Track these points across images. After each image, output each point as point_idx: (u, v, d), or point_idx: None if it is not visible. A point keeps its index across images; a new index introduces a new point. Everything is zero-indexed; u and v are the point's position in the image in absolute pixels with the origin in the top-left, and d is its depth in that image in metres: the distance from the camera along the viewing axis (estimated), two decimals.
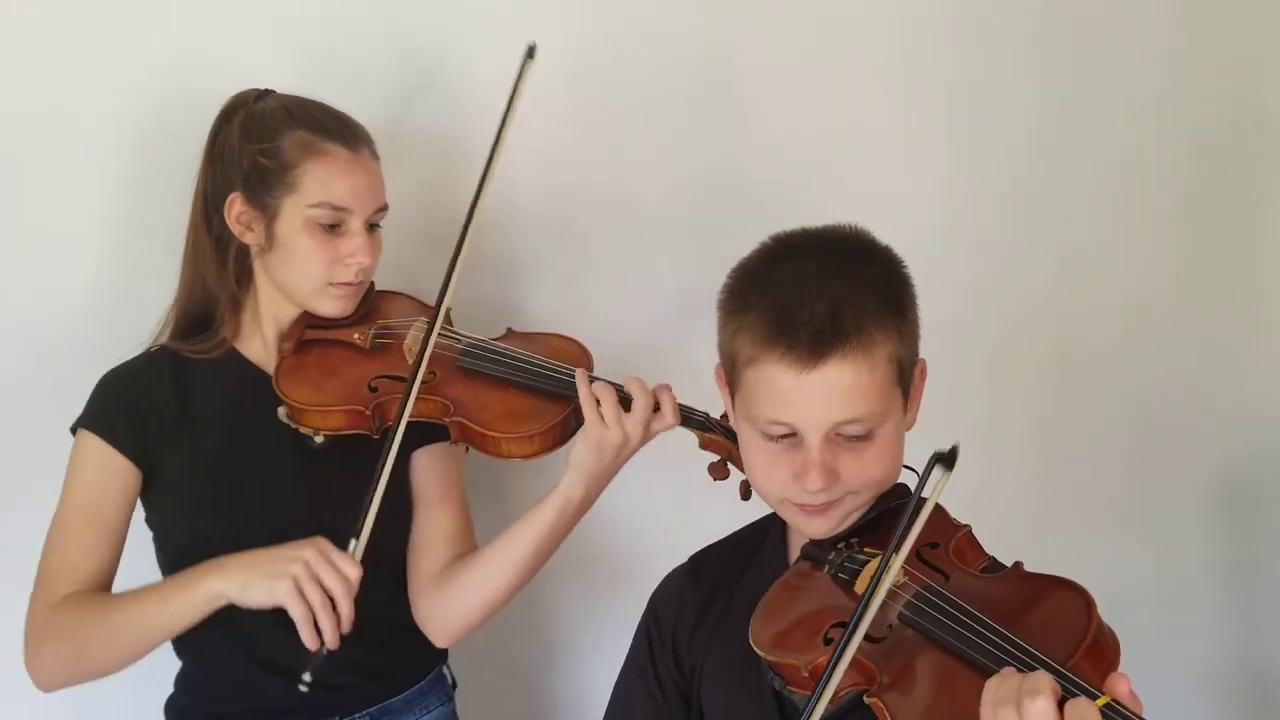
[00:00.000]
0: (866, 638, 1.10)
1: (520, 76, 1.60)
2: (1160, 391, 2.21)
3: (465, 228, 1.59)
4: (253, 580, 1.47)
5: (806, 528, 1.28)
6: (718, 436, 1.57)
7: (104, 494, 1.61)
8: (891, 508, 1.26)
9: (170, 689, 1.72)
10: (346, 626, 1.47)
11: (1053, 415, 2.17)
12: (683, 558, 1.98)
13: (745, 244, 1.92)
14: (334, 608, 1.47)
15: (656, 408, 1.53)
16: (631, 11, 1.98)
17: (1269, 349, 2.25)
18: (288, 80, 1.70)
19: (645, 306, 2.02)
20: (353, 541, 1.50)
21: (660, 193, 2.01)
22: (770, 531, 1.39)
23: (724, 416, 1.60)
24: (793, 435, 1.22)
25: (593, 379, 1.56)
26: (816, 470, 1.20)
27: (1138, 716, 0.97)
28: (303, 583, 1.45)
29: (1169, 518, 2.25)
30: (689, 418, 1.57)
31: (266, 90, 1.68)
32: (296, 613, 1.46)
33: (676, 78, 2.00)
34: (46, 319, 1.86)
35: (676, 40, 1.99)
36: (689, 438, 1.59)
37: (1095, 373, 2.15)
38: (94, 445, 1.62)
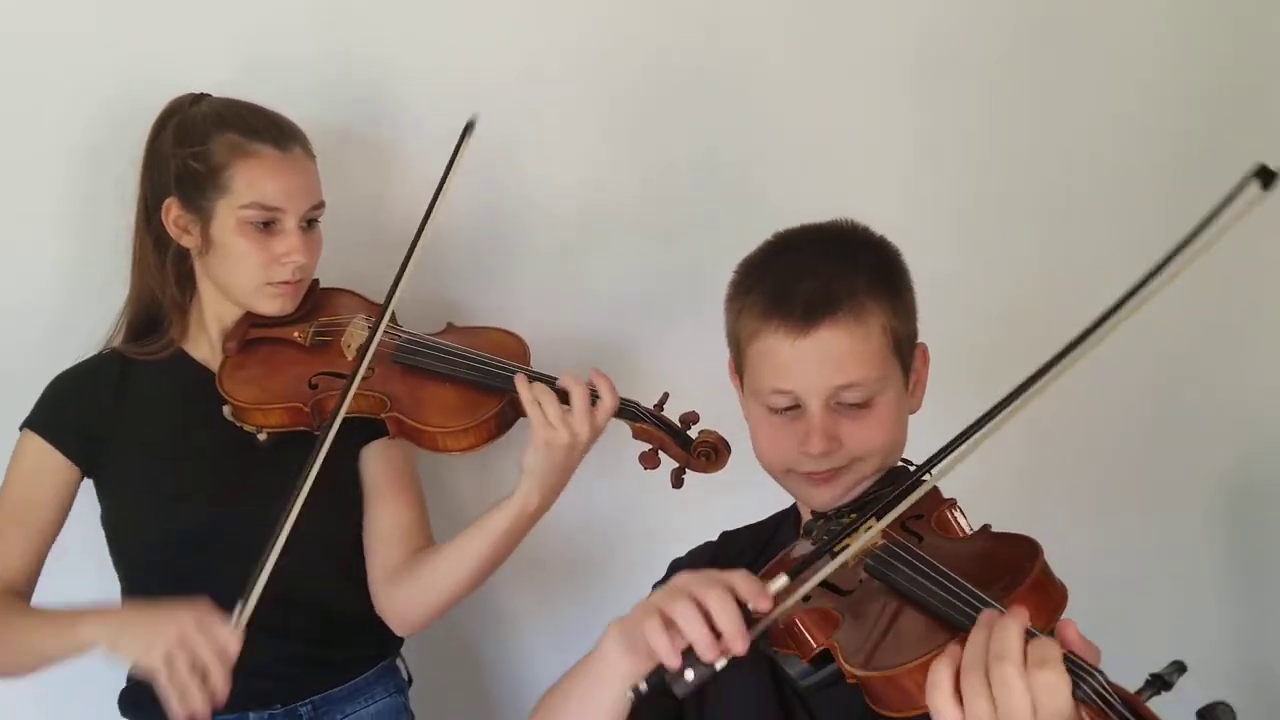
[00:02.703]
0: (836, 590, 1.16)
1: (458, 150, 1.60)
2: (1162, 389, 2.20)
3: (404, 265, 1.58)
4: (125, 639, 1.45)
5: (812, 498, 1.32)
6: (648, 426, 1.59)
7: (36, 490, 1.64)
8: (896, 489, 1.27)
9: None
10: (220, 700, 1.41)
11: (1052, 412, 2.13)
12: (636, 553, 2.00)
13: (700, 241, 1.97)
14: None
15: (595, 399, 1.54)
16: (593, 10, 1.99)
17: (1272, 345, 2.24)
18: (232, 86, 1.71)
19: (590, 303, 2.03)
20: (238, 605, 1.43)
21: (615, 190, 2.02)
22: (783, 524, 1.43)
23: (658, 405, 1.62)
24: (795, 407, 1.28)
25: (532, 378, 1.57)
26: (818, 435, 1.26)
27: (1090, 666, 0.95)
28: (173, 654, 1.39)
29: (1173, 516, 2.25)
30: (623, 407, 1.58)
31: (202, 94, 1.70)
32: (164, 684, 1.40)
33: (640, 78, 2.00)
34: (8, 324, 1.88)
35: (648, 39, 2.00)
36: (626, 431, 1.60)
37: (1094, 370, 2.14)
38: (34, 443, 1.66)
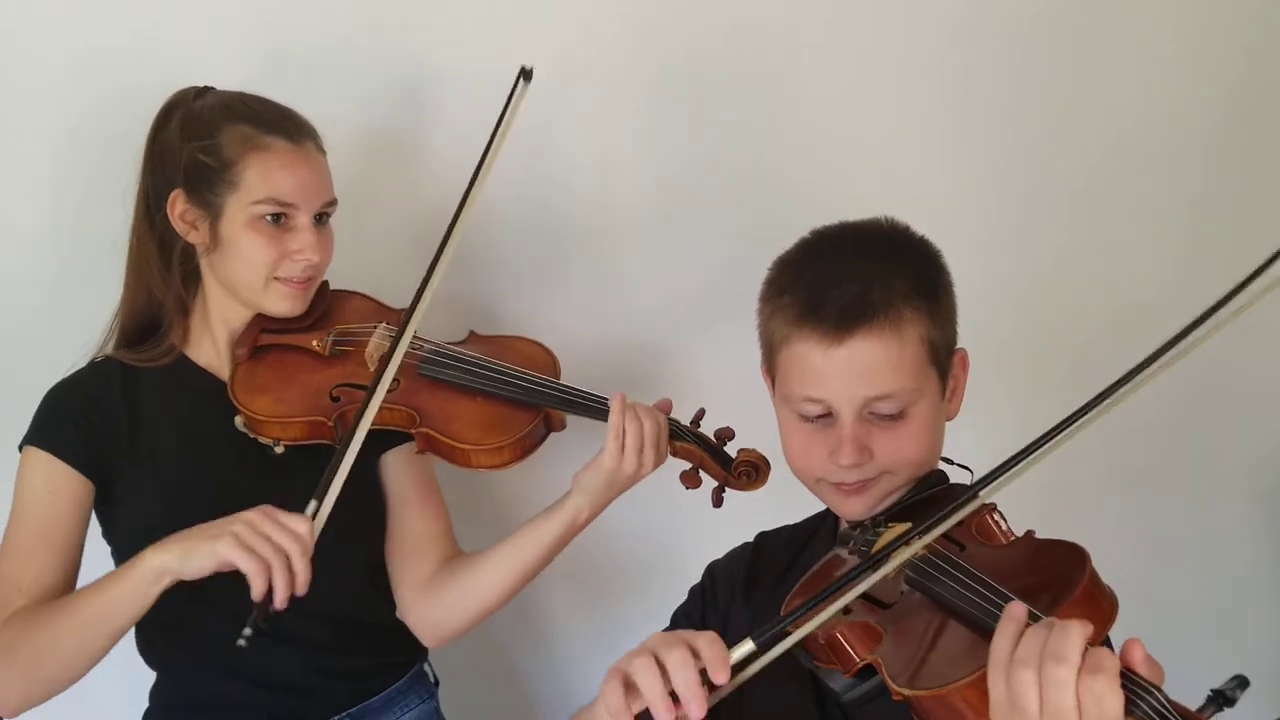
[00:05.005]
0: (878, 603, 1.13)
1: (513, 97, 1.53)
2: (1196, 389, 2.15)
3: (443, 246, 1.51)
4: (193, 546, 1.39)
5: (843, 508, 1.30)
6: (688, 443, 1.55)
7: (54, 511, 1.56)
8: (927, 495, 1.27)
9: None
10: (302, 585, 1.38)
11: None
12: (668, 559, 2.00)
13: (735, 242, 1.94)
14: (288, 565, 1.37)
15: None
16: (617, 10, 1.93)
17: None
18: (262, 78, 1.65)
19: (622, 305, 1.99)
20: (313, 503, 1.41)
21: (645, 193, 1.97)
22: (822, 526, 1.40)
23: (694, 422, 1.58)
24: (827, 415, 1.24)
25: (579, 399, 1.54)
26: (849, 445, 1.22)
27: (1150, 683, 0.92)
28: (247, 537, 1.37)
29: (1211, 514, 2.24)
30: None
31: (206, 88, 1.63)
32: (244, 564, 1.36)
33: (673, 76, 1.95)
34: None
35: (682, 37, 1.95)
36: None
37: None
38: (42, 461, 1.57)
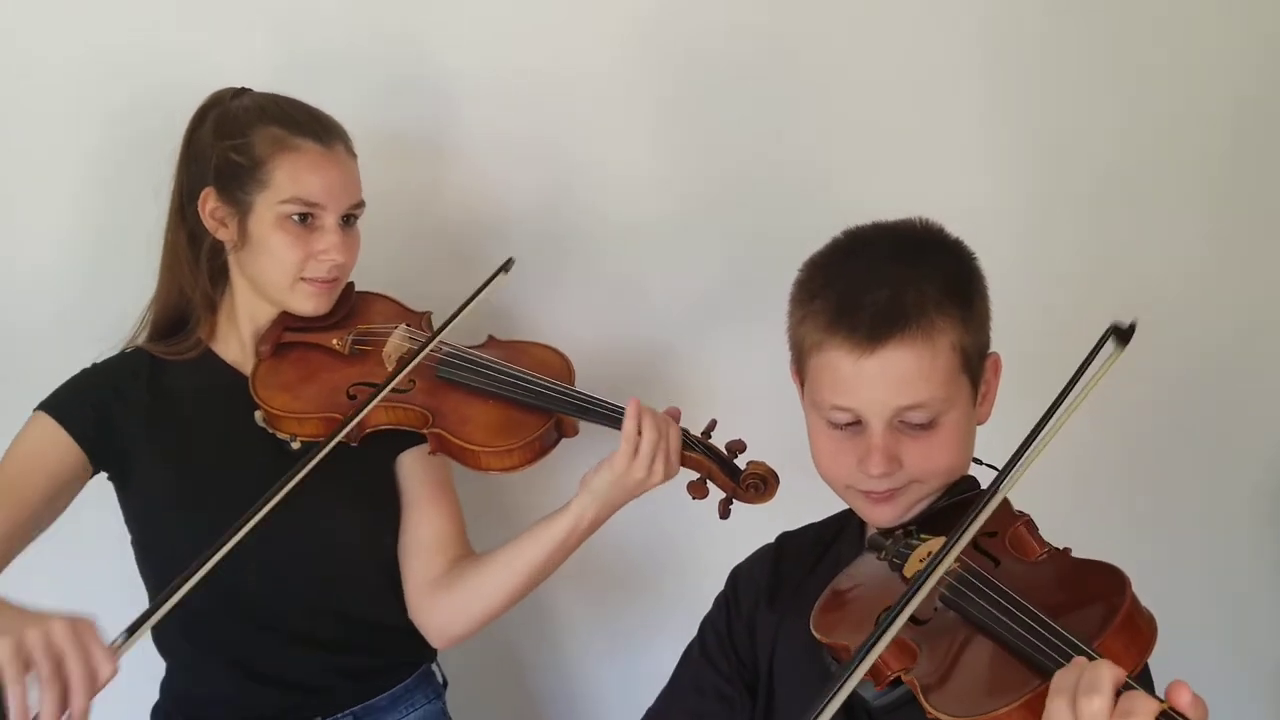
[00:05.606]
0: (912, 619, 1.12)
1: (489, 283, 1.61)
2: (1202, 390, 2.16)
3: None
4: None
5: (871, 516, 1.29)
6: (696, 454, 1.55)
7: (33, 468, 1.57)
8: (958, 500, 1.26)
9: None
10: None
11: (1096, 415, 2.12)
12: (679, 562, 2.01)
13: (751, 248, 1.93)
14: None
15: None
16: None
17: None
18: (273, 79, 1.67)
19: (637, 312, 1.99)
20: (122, 634, 1.27)
21: (663, 193, 1.97)
22: (848, 525, 1.39)
23: (705, 433, 1.58)
24: (857, 423, 1.24)
25: (596, 408, 1.55)
26: (878, 454, 1.22)
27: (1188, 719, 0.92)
28: (31, 651, 1.20)
29: (1218, 517, 2.22)
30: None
31: (243, 89, 1.66)
32: (8, 680, 1.19)
33: (689, 76, 1.95)
34: (20, 319, 1.84)
35: (698, 37, 1.94)
36: None
37: (1131, 371, 2.11)
38: (43, 423, 1.60)
